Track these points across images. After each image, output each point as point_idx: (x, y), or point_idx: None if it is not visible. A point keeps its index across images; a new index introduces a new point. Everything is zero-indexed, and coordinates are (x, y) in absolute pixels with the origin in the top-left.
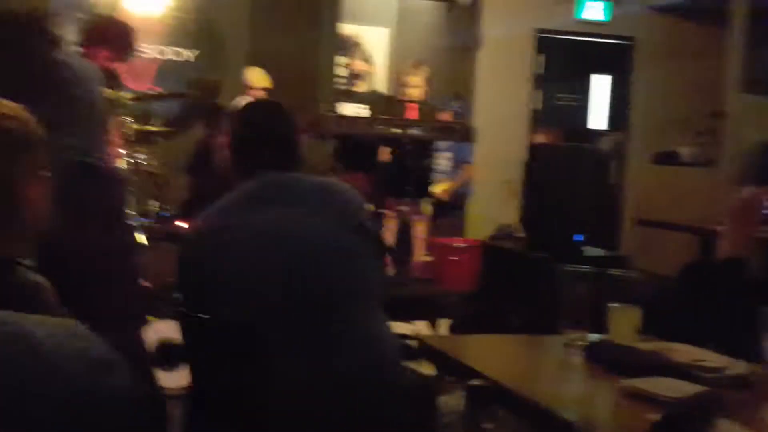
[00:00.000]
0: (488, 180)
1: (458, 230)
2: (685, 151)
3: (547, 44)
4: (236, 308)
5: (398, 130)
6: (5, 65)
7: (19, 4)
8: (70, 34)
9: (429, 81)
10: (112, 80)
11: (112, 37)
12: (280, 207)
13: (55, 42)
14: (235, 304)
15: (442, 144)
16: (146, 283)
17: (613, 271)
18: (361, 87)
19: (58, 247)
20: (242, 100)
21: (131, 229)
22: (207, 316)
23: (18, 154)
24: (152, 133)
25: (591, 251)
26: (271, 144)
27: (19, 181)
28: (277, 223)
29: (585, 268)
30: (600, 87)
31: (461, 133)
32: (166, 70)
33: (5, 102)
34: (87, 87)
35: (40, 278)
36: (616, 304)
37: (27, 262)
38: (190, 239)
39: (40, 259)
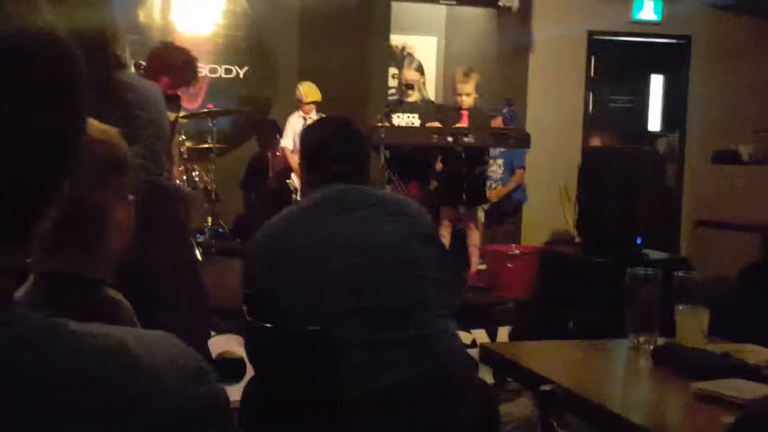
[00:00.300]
0: (543, 185)
1: (513, 237)
2: (744, 150)
3: (599, 46)
4: (308, 315)
5: (451, 139)
6: None
7: (84, 25)
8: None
9: (480, 88)
10: (174, 103)
11: (174, 66)
12: (353, 214)
13: (120, 63)
14: (307, 311)
15: (494, 150)
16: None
17: (677, 273)
18: (412, 97)
19: (127, 264)
20: (296, 115)
21: (194, 245)
22: (276, 325)
23: (107, 178)
24: (206, 150)
25: (652, 254)
26: (343, 158)
27: (107, 205)
28: (350, 229)
29: (648, 271)
30: (655, 87)
31: (515, 140)
32: (218, 87)
33: (96, 124)
34: (151, 108)
35: (120, 297)
36: (683, 307)
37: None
38: (260, 247)
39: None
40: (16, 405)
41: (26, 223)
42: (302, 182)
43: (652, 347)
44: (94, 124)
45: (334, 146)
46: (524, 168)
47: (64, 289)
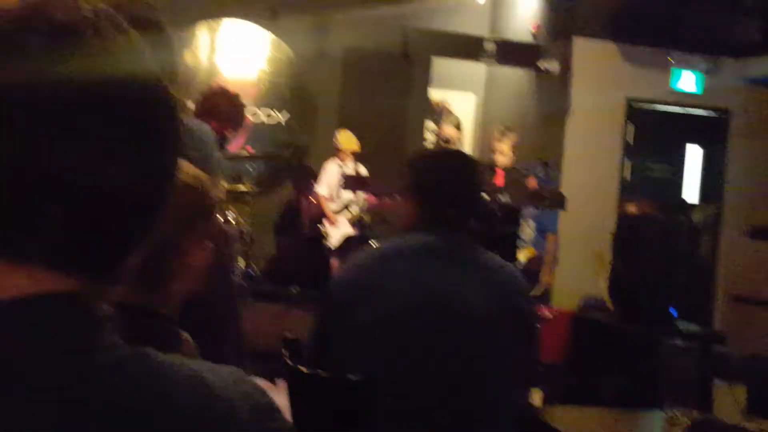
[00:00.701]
0: (576, 250)
1: (543, 300)
2: None
3: (638, 114)
4: (374, 362)
5: (485, 197)
6: None
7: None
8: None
9: (516, 148)
10: (221, 145)
11: (223, 110)
12: (443, 268)
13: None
14: (375, 358)
15: (525, 212)
16: None
17: (713, 348)
18: None
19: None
20: (332, 163)
21: (234, 284)
22: (331, 368)
23: (192, 222)
24: (242, 192)
25: (685, 326)
26: (459, 201)
27: (187, 246)
28: (437, 283)
29: (683, 343)
30: (693, 158)
31: (551, 201)
32: (258, 131)
33: (190, 168)
34: (202, 148)
35: (186, 335)
36: (721, 382)
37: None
38: (347, 280)
39: None
40: (105, 425)
41: (123, 257)
42: (405, 214)
43: (688, 421)
44: (188, 169)
45: (454, 186)
46: (556, 233)
47: (133, 321)
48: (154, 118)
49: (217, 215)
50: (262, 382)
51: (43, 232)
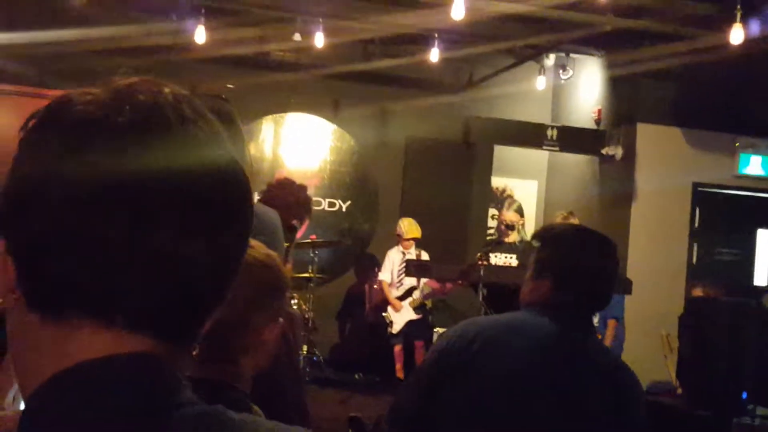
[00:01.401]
0: (643, 335)
1: None
2: None
3: (704, 198)
4: None
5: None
6: None
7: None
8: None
9: None
10: (289, 234)
11: (290, 200)
12: (566, 360)
13: None
14: None
15: None
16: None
17: None
18: (511, 237)
19: None
20: (395, 250)
21: (299, 367)
22: None
23: (265, 300)
24: (306, 279)
25: (759, 410)
26: (596, 287)
27: (260, 323)
28: (557, 375)
29: (754, 422)
30: (762, 242)
31: (617, 285)
32: (321, 219)
33: (263, 248)
34: (269, 234)
35: (259, 410)
36: None
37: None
38: (455, 346)
39: None
40: None
41: (198, 321)
42: (531, 291)
43: None
44: (260, 248)
45: (596, 272)
46: (617, 319)
47: (207, 394)
48: (231, 199)
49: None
50: None
51: (131, 296)
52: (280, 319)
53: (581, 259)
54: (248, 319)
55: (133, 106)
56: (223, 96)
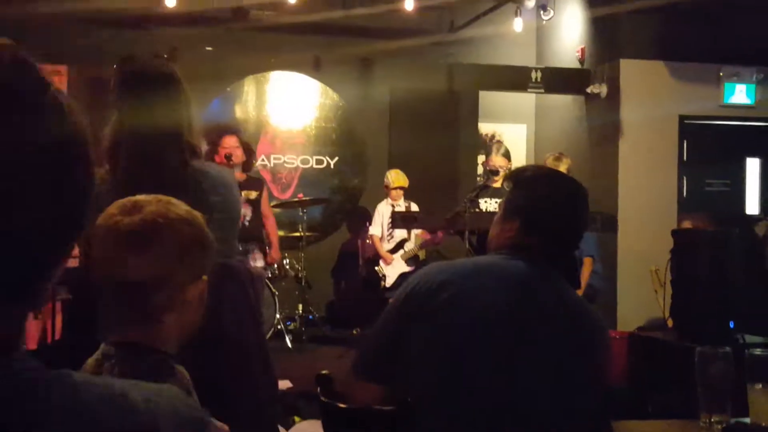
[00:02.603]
0: (636, 270)
1: (606, 323)
2: None
3: (691, 130)
4: (429, 380)
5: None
6: (146, 174)
7: (161, 119)
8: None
9: (571, 173)
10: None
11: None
12: (533, 304)
13: (194, 152)
14: (432, 376)
15: None
16: (289, 384)
17: (748, 351)
18: (498, 182)
19: (198, 342)
20: (384, 203)
21: (262, 325)
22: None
23: (185, 256)
24: (297, 238)
25: (749, 338)
26: (566, 234)
27: (179, 280)
28: (520, 319)
29: (718, 349)
30: (751, 171)
31: (603, 223)
32: (309, 177)
33: (183, 204)
34: (223, 193)
35: (180, 368)
36: (757, 386)
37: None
38: (423, 286)
39: (183, 351)
40: None
41: (30, 286)
42: (500, 233)
43: (723, 427)
44: (181, 206)
45: (567, 219)
46: (592, 257)
47: (129, 356)
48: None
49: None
50: (315, 423)
51: None
52: (204, 277)
53: (551, 203)
54: (170, 275)
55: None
56: (164, 55)
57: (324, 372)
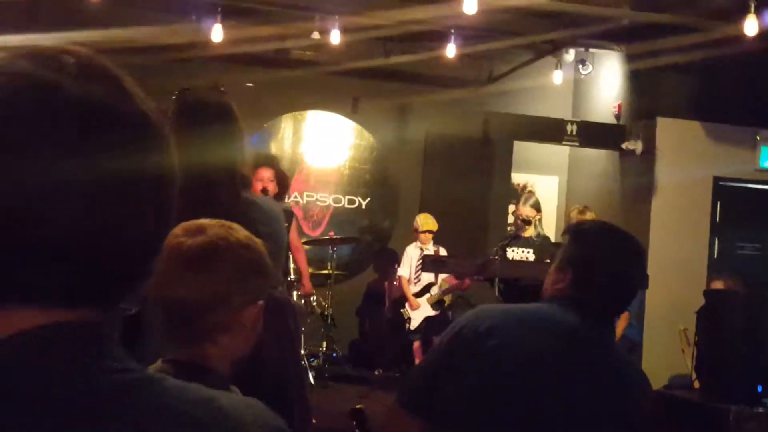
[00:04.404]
0: (664, 329)
1: None
2: None
3: (725, 191)
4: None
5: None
6: (198, 205)
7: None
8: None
9: None
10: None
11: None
12: (580, 360)
13: (245, 184)
14: (472, 422)
15: None
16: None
17: None
18: (528, 232)
19: (240, 369)
20: (413, 246)
21: (301, 356)
22: None
23: (243, 279)
24: (325, 276)
25: None
26: (620, 289)
27: (239, 303)
28: (567, 375)
29: (754, 410)
30: None
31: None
32: (340, 216)
33: (240, 229)
34: (271, 224)
35: (235, 389)
36: None
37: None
38: (472, 330)
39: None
40: None
41: (119, 293)
42: (553, 283)
43: None
44: (242, 230)
45: (622, 275)
46: (627, 311)
47: (182, 375)
48: (134, 181)
49: (290, 289)
50: None
51: (56, 277)
52: (260, 302)
53: (606, 258)
54: (227, 297)
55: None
56: (221, 87)
57: (358, 406)
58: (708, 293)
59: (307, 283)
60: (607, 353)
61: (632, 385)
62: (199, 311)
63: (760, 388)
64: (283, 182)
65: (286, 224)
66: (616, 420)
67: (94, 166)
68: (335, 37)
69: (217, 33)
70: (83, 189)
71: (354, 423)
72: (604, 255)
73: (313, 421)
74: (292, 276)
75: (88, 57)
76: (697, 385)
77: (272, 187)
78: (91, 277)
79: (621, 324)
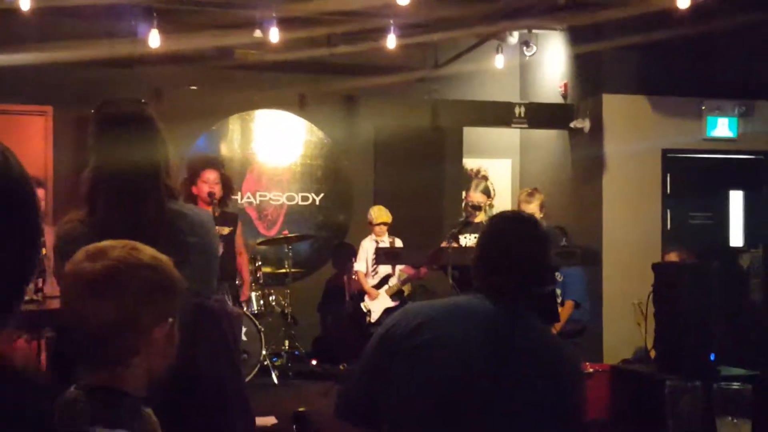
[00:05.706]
0: (621, 303)
1: (593, 355)
2: None
3: (674, 164)
4: (408, 422)
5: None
6: (123, 217)
7: (138, 161)
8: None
9: (545, 207)
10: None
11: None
12: (503, 343)
13: (171, 194)
14: (411, 417)
15: None
16: (274, 420)
17: (716, 385)
18: (479, 218)
19: (174, 383)
20: (368, 239)
21: (241, 365)
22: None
23: (150, 300)
24: (282, 275)
25: (729, 371)
26: (524, 270)
27: (149, 323)
28: (494, 360)
29: (687, 383)
30: (735, 203)
31: (583, 257)
32: (294, 214)
33: (149, 250)
34: (200, 233)
35: (149, 411)
36: (728, 419)
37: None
38: (397, 331)
39: (159, 393)
40: None
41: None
42: (474, 276)
43: None
44: (146, 250)
45: (522, 255)
46: (575, 301)
47: (97, 402)
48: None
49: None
50: None
51: None
52: (170, 319)
53: (504, 243)
54: (134, 320)
55: None
56: (141, 99)
57: (301, 409)
58: (657, 267)
59: (246, 291)
60: (531, 336)
61: (560, 362)
62: (106, 336)
63: (713, 356)
64: (227, 185)
65: (230, 229)
66: (555, 399)
67: None
68: (275, 35)
69: (154, 38)
70: None
71: (294, 427)
72: (501, 239)
73: (274, 421)
74: (238, 281)
75: None
76: (653, 357)
77: (218, 190)
78: None
79: (565, 313)
